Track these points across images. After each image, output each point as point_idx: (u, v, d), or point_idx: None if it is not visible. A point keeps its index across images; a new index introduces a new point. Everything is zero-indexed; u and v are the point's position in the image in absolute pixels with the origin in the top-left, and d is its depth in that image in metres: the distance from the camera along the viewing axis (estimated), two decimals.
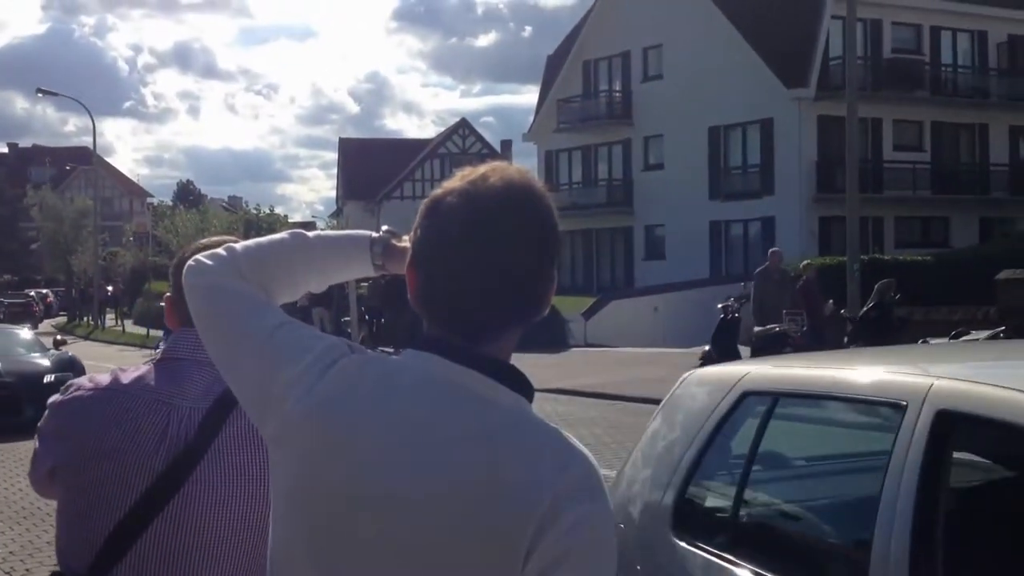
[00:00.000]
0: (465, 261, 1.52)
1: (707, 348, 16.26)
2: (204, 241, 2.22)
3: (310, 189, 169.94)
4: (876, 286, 14.19)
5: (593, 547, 1.46)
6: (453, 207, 1.55)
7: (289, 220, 53.83)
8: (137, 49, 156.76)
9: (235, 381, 1.67)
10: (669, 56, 38.29)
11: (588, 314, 29.03)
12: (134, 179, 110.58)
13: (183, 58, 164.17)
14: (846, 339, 14.36)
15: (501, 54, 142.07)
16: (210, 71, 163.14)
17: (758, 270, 17.10)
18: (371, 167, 62.88)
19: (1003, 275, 18.98)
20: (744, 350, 16.21)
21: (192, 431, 2.22)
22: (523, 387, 1.56)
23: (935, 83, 36.86)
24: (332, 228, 46.68)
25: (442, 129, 69.08)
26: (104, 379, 2.34)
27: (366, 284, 23.55)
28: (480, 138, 66.03)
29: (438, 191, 1.60)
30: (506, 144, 67.73)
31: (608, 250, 42.47)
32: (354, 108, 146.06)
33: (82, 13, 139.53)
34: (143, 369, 2.34)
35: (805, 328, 16.19)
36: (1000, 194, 37.51)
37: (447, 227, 1.54)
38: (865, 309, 14.32)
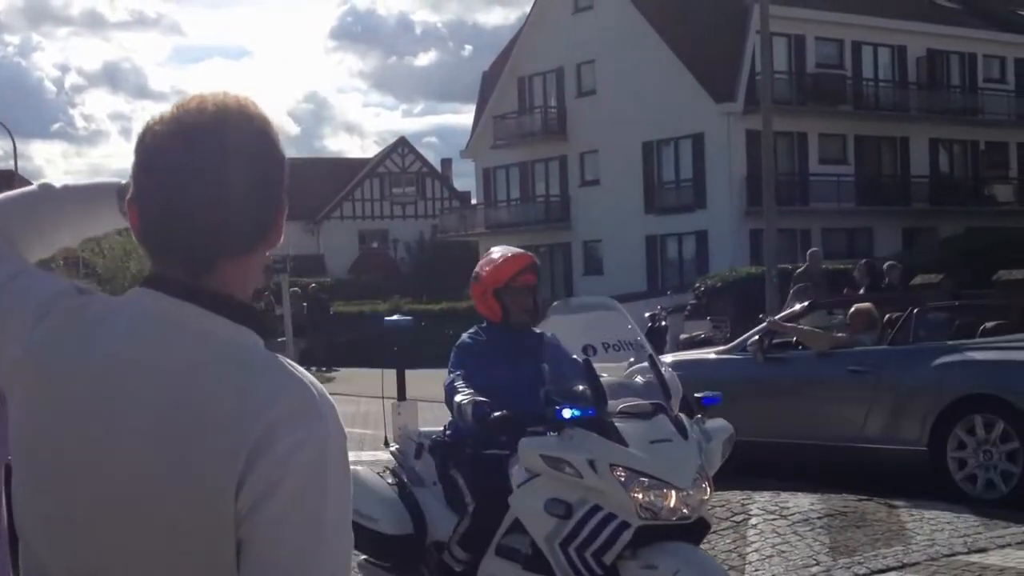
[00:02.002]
0: (175, 190, 1.47)
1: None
2: None
3: None
4: (791, 291, 14.98)
5: (312, 473, 1.41)
6: (162, 135, 1.49)
7: None
8: (64, 69, 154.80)
9: None
10: (602, 72, 38.89)
11: None
12: None
13: (113, 78, 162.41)
14: None
15: (442, 73, 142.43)
16: (142, 91, 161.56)
17: (797, 272, 16.03)
18: (309, 187, 62.92)
19: (917, 280, 19.98)
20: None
21: None
22: (248, 319, 1.52)
23: (857, 97, 38.01)
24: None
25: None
26: None
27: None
28: (419, 156, 66.43)
29: (150, 120, 1.52)
30: (446, 162, 68.19)
31: (547, 266, 43.08)
32: (294, 128, 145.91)
33: (5, 32, 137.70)
34: None
35: (729, 335, 16.95)
36: (921, 204, 38.72)
37: (156, 156, 1.49)
38: (783, 314, 15.09)
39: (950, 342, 9.37)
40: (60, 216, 1.86)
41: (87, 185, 1.91)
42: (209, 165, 1.46)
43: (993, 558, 6.79)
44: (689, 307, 24.53)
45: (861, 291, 15.00)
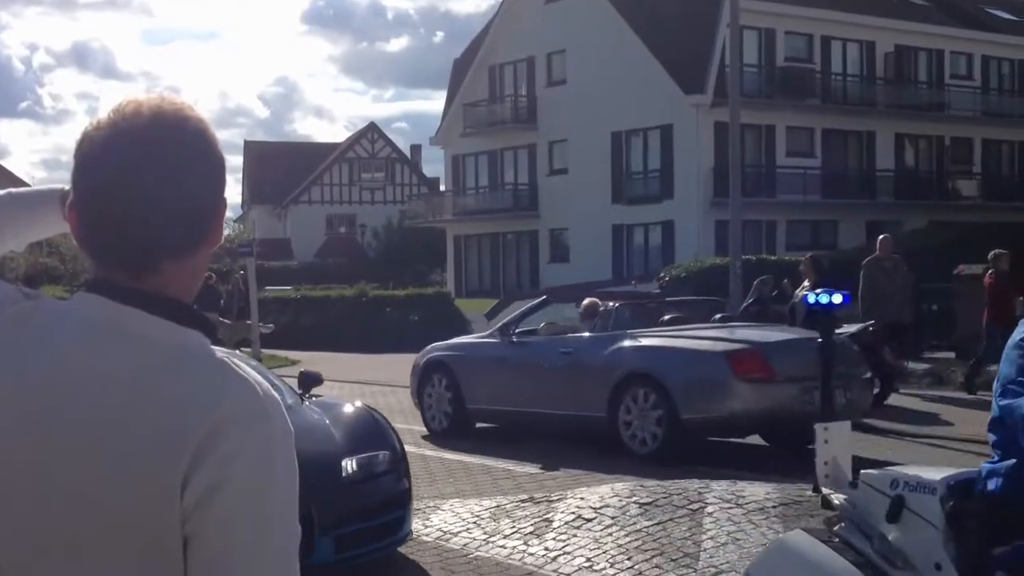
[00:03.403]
0: (111, 194, 1.49)
1: None
2: None
3: None
4: (755, 283, 15.10)
5: (257, 471, 1.43)
6: (98, 140, 1.51)
7: None
8: (33, 48, 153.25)
9: None
10: (572, 61, 38.95)
11: (491, 314, 29.66)
12: (29, 181, 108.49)
13: (81, 58, 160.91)
14: None
15: (413, 59, 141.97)
16: (109, 71, 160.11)
17: (867, 260, 15.15)
18: (277, 171, 62.71)
19: None
20: None
21: None
22: (193, 321, 1.54)
23: (826, 91, 38.26)
24: (237, 233, 46.63)
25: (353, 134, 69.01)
26: None
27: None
28: (389, 142, 66.28)
29: (88, 126, 1.54)
30: (416, 148, 68.09)
31: (514, 253, 43.22)
32: (263, 112, 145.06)
33: None
34: None
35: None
36: (886, 198, 39.07)
37: (92, 161, 1.51)
38: (745, 304, 15.20)
39: (630, 331, 11.48)
40: (3, 221, 1.90)
41: (31, 192, 1.96)
42: (145, 169, 1.48)
43: None
44: None
45: (805, 284, 15.09)
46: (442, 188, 52.24)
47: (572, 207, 38.60)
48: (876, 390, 13.70)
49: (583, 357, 11.37)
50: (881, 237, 15.44)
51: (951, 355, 17.95)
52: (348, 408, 7.71)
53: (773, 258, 26.29)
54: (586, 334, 11.83)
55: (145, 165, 1.48)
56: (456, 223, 44.75)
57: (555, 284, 35.55)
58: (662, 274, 25.90)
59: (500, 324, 12.93)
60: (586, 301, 12.86)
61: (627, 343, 11.20)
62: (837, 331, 13.85)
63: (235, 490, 1.42)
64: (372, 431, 7.35)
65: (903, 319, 14.86)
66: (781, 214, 36.61)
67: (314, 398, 7.99)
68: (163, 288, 1.52)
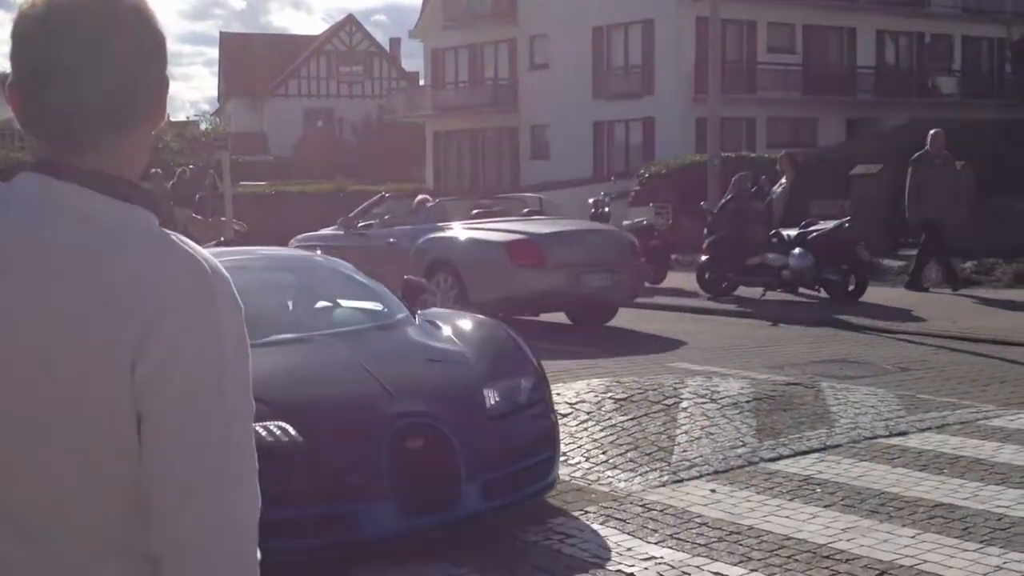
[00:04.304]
0: (49, 71, 1.49)
1: None
2: None
3: (193, 87, 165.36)
4: (733, 179, 15.11)
5: (206, 346, 1.45)
6: (34, 16, 1.50)
7: (171, 120, 53.03)
8: None
9: None
10: None
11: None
12: None
13: None
14: (706, 230, 15.32)
15: None
16: None
17: (916, 156, 14.56)
18: (254, 64, 61.77)
19: (857, 170, 20.22)
20: None
21: None
22: (137, 198, 1.53)
23: None
24: (214, 126, 46.09)
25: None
26: None
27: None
28: (367, 35, 65.26)
29: (23, 4, 1.53)
30: (395, 42, 67.12)
31: (495, 150, 42.96)
32: (239, 2, 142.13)
33: None
34: None
35: (671, 221, 17.17)
36: (866, 96, 38.93)
37: (29, 38, 1.50)
38: (723, 202, 15.26)
39: (439, 223, 13.15)
40: None
41: None
42: (81, 44, 1.48)
43: (913, 441, 7.06)
44: (633, 193, 24.69)
45: (782, 181, 15.03)
46: (421, 83, 51.66)
47: (553, 103, 38.30)
48: (852, 287, 13.86)
49: (403, 246, 13.06)
50: (933, 132, 14.76)
51: None
52: (476, 323, 6.54)
53: (753, 155, 26.26)
54: (408, 227, 13.62)
55: (81, 40, 1.48)
56: (435, 119, 44.36)
57: (536, 181, 35.46)
58: (642, 171, 25.87)
59: (342, 218, 14.77)
60: (418, 197, 15.06)
61: (435, 235, 12.95)
62: (814, 227, 14.04)
63: (184, 366, 1.43)
64: (510, 352, 6.18)
65: (946, 219, 14.29)
66: (761, 111, 36.44)
67: (424, 311, 6.87)
68: (106, 166, 1.51)
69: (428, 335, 6.28)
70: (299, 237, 14.97)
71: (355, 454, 5.16)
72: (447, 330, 6.32)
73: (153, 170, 21.69)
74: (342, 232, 14.35)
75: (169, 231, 1.53)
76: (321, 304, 7.09)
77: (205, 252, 1.52)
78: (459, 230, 12.99)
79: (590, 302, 12.55)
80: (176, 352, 1.43)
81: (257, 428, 4.67)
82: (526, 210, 14.28)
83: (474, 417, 5.50)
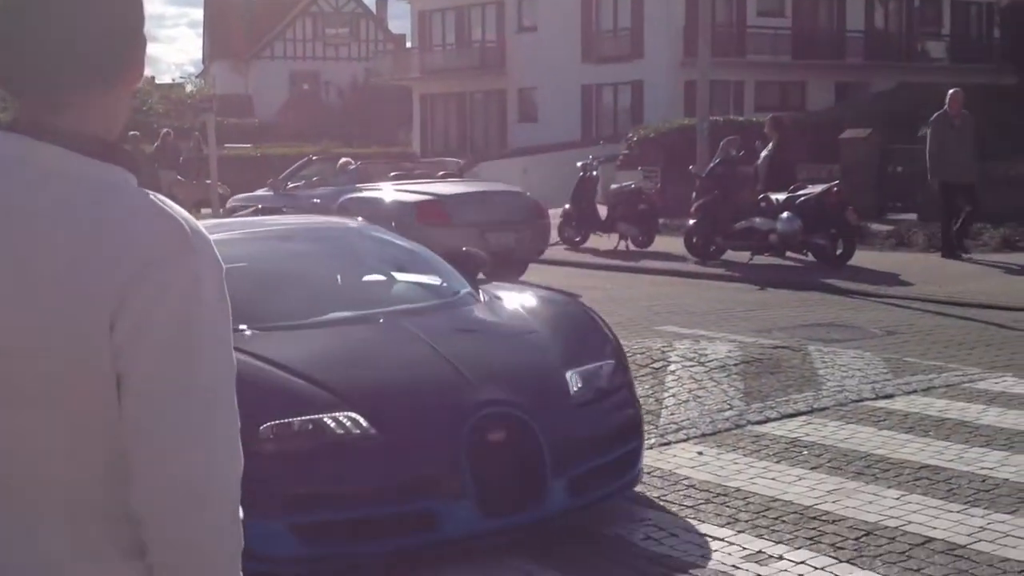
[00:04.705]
0: (19, 26, 1.47)
1: (568, 207, 17.18)
2: None
3: (178, 49, 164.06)
4: (721, 143, 15.07)
5: (186, 306, 1.44)
6: None
7: (156, 83, 52.65)
8: None
9: None
10: None
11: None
12: None
13: None
14: (694, 194, 15.29)
15: None
16: None
17: (934, 116, 14.43)
18: (239, 26, 61.35)
19: (846, 134, 20.20)
20: (602, 209, 17.07)
21: None
22: (115, 157, 1.51)
23: None
24: (199, 88, 45.81)
25: None
26: None
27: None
28: None
29: None
30: (381, 3, 66.62)
31: (482, 113, 42.78)
32: None
33: None
34: None
35: (659, 185, 17.14)
36: (855, 60, 38.81)
37: None
38: (711, 165, 15.22)
39: (359, 184, 14.34)
40: None
41: None
42: (55, 4, 1.46)
43: (899, 403, 7.09)
44: (621, 157, 24.62)
45: (769, 145, 14.94)
46: (408, 45, 51.33)
47: (541, 66, 38.11)
48: (839, 251, 13.87)
49: (325, 205, 13.81)
50: (952, 91, 14.44)
51: (913, 216, 18.10)
52: (547, 298, 6.05)
53: (741, 119, 26.19)
54: (331, 188, 14.65)
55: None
56: (422, 81, 44.12)
57: (524, 144, 35.39)
58: (630, 134, 25.80)
59: (272, 180, 15.99)
60: (342, 160, 16.08)
61: (353, 195, 13.82)
62: (802, 191, 14.03)
63: (164, 325, 1.43)
64: (590, 332, 5.61)
65: (967, 179, 14.21)
66: (750, 74, 36.32)
67: (487, 286, 6.26)
68: (82, 125, 1.50)
69: (497, 313, 5.75)
70: (235, 197, 16.24)
71: (432, 447, 4.66)
72: (516, 306, 5.78)
73: (131, 132, 21.61)
74: (272, 193, 15.62)
75: (148, 191, 1.52)
76: (371, 278, 6.36)
77: (184, 212, 1.51)
78: (376, 191, 13.91)
79: (495, 259, 12.97)
80: (154, 311, 1.42)
81: (325, 419, 4.51)
82: (441, 173, 15.33)
83: (558, 405, 4.97)
